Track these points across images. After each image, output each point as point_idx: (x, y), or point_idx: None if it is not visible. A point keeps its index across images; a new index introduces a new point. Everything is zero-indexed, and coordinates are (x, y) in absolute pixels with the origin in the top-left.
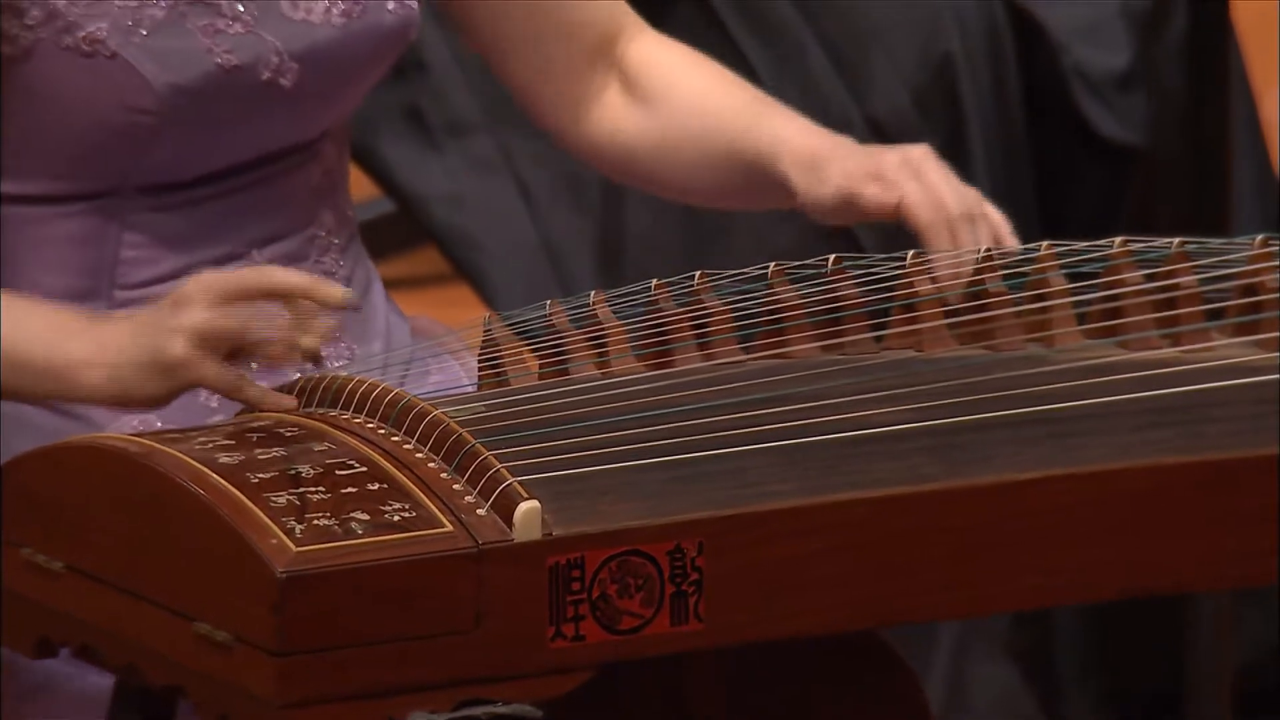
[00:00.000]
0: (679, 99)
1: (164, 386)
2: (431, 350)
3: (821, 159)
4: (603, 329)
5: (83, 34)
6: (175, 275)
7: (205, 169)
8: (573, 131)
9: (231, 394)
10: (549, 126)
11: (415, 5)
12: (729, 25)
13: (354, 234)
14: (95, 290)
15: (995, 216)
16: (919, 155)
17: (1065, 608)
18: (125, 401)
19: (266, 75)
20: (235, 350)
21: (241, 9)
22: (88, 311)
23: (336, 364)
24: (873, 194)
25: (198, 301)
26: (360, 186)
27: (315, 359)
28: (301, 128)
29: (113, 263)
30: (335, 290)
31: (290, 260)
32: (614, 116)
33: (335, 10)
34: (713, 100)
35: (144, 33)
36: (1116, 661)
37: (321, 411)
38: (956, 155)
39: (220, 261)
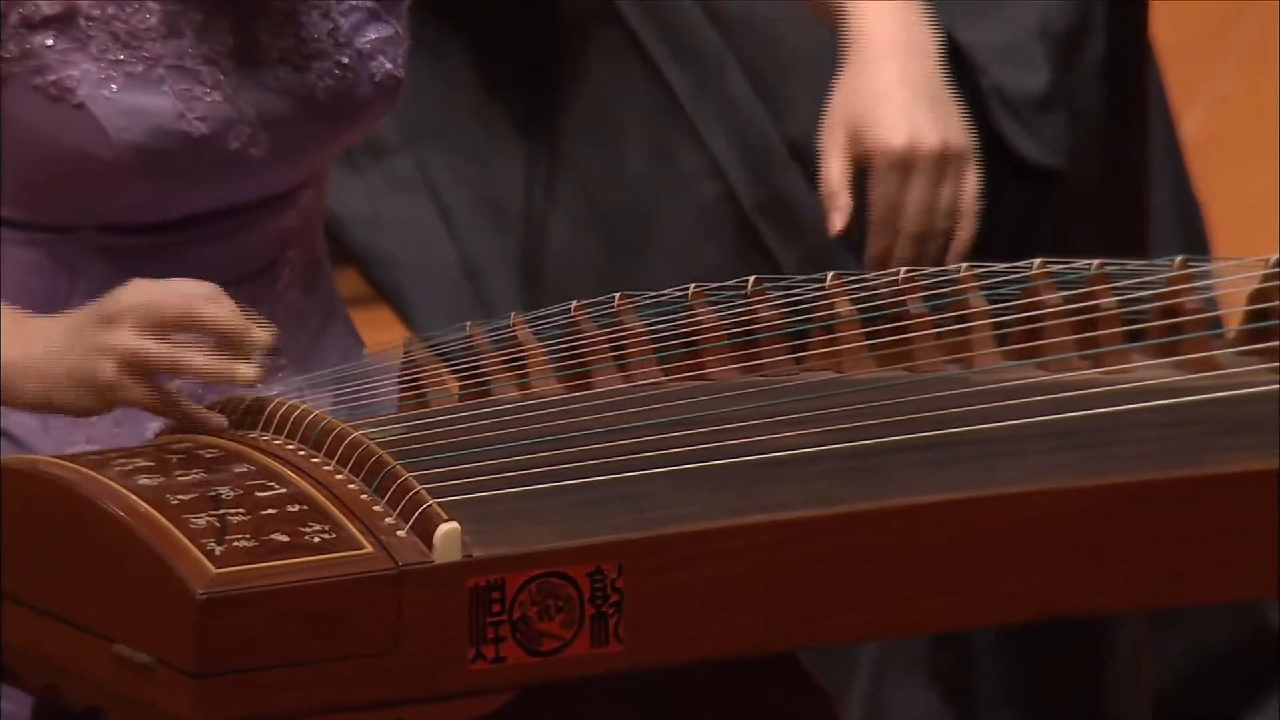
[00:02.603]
0: None
1: (93, 403)
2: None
3: (852, 60)
4: (523, 350)
5: (54, 78)
6: None
7: (168, 216)
8: None
9: (162, 413)
10: None
11: (401, 73)
12: (650, 49)
13: (321, 264)
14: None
15: (961, 232)
16: (919, 157)
17: (984, 630)
18: (54, 411)
19: (236, 145)
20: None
21: (223, 78)
22: (22, 312)
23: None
24: (825, 160)
25: (126, 322)
26: None
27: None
28: (269, 188)
29: (67, 293)
30: (261, 336)
31: (251, 299)
32: None
33: (321, 84)
34: None
35: (117, 88)
36: (1035, 684)
37: (242, 433)
38: None
39: None
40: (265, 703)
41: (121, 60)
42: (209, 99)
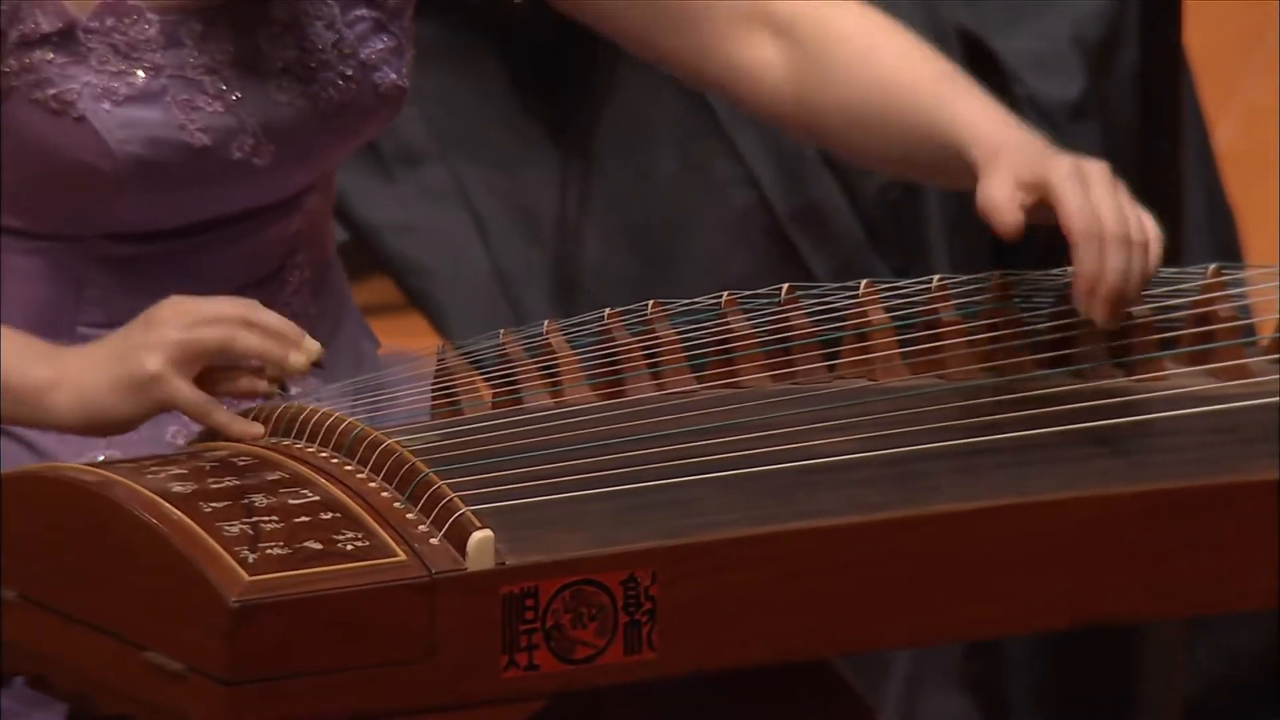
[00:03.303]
0: (846, 55)
1: (134, 407)
2: (396, 376)
3: (999, 153)
4: (556, 358)
5: (54, 92)
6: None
7: (171, 224)
8: (710, 64)
9: (201, 417)
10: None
11: (405, 82)
12: None
13: (330, 269)
14: (57, 326)
15: (1154, 246)
16: (1091, 169)
17: (1017, 638)
18: (93, 425)
19: (238, 155)
20: (210, 370)
21: (225, 88)
22: (54, 342)
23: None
24: (989, 182)
25: (171, 322)
26: None
27: (300, 375)
28: (273, 194)
29: (75, 302)
30: (313, 345)
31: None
32: (762, 56)
33: (325, 95)
34: (891, 66)
35: (118, 100)
36: (1068, 692)
37: (275, 441)
38: (910, 187)
39: None
40: (297, 710)
41: (122, 72)
42: (211, 109)
